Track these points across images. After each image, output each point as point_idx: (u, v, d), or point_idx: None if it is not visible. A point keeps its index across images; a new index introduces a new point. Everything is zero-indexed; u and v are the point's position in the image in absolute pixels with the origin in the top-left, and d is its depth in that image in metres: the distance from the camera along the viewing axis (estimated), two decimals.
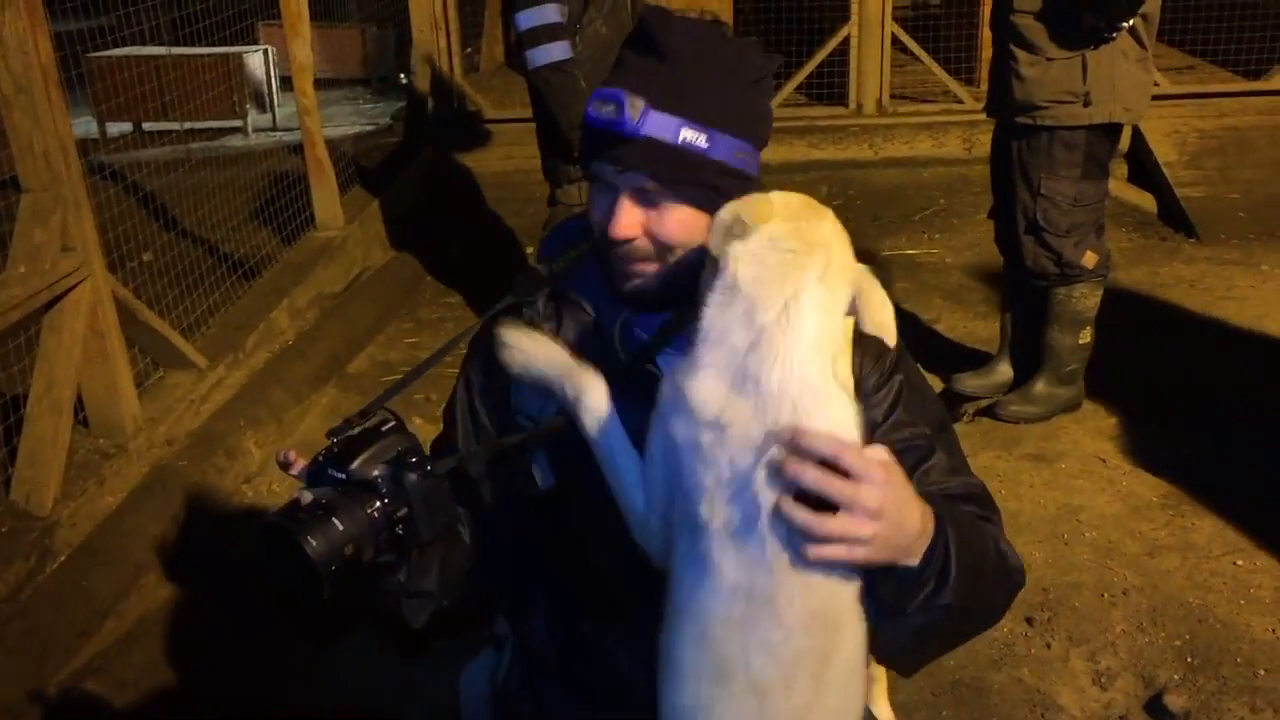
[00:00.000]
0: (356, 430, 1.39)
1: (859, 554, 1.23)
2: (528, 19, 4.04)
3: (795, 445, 1.21)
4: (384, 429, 1.40)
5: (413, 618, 1.52)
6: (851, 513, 1.20)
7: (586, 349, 1.50)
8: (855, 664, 1.31)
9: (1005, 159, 3.98)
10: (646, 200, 1.45)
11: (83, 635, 3.05)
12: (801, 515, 1.20)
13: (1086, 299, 4.00)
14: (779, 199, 1.36)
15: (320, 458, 1.39)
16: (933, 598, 1.32)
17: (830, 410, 1.26)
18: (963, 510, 1.44)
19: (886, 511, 1.22)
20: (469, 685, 1.75)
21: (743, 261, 1.29)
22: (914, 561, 1.30)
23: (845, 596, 1.29)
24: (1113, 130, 3.88)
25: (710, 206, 1.42)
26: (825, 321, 1.29)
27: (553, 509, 1.54)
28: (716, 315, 1.29)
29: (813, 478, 1.20)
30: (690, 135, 1.42)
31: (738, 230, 1.31)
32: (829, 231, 1.34)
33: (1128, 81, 3.76)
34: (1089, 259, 3.92)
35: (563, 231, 1.64)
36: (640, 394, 1.39)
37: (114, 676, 3.05)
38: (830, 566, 1.25)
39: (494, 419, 1.59)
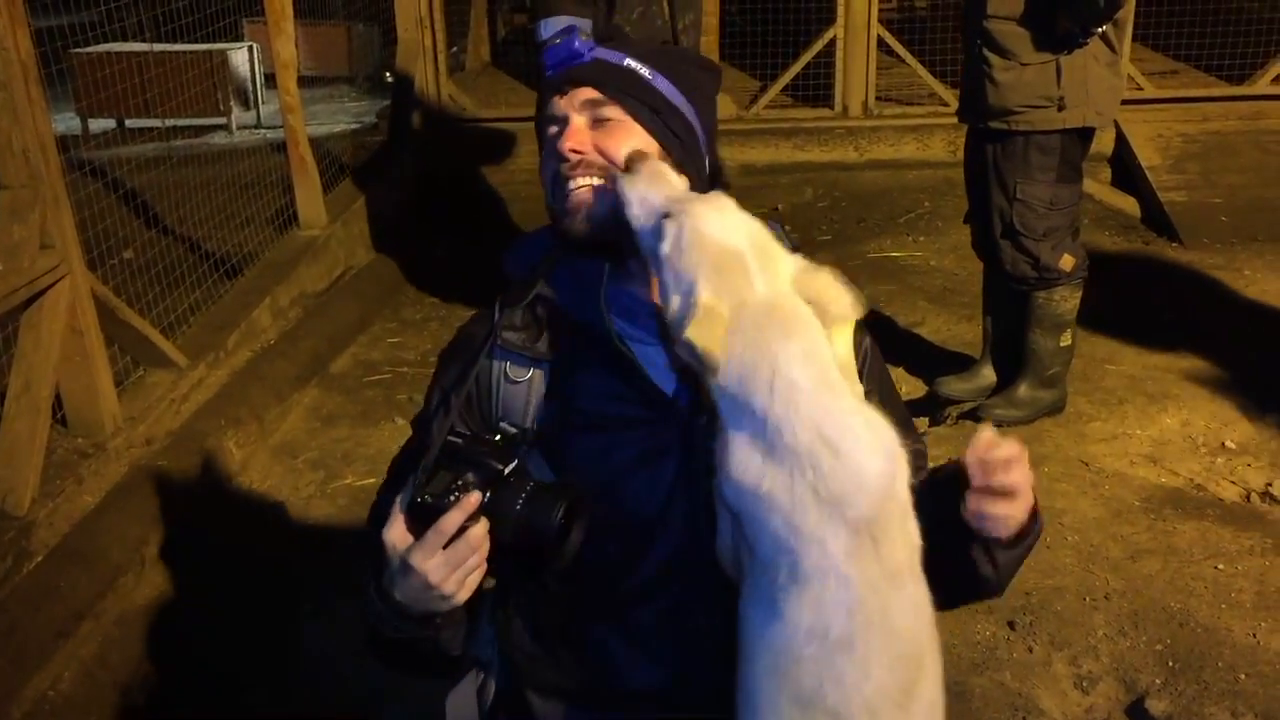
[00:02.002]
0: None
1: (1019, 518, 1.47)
2: (539, 31, 4.01)
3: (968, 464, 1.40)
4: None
5: (452, 645, 1.54)
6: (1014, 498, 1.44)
7: (573, 346, 1.55)
8: (937, 696, 1.32)
9: (980, 164, 3.98)
10: (596, 120, 1.58)
11: (60, 636, 3.02)
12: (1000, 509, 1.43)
13: (1066, 301, 4.01)
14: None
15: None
16: (1033, 524, 1.53)
17: (860, 436, 1.29)
18: None
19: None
20: (455, 710, 1.73)
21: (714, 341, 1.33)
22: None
23: (924, 639, 1.31)
24: (1086, 134, 3.89)
25: (656, 132, 1.58)
26: (814, 360, 1.31)
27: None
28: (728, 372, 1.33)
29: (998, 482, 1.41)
30: (635, 65, 1.59)
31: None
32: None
33: (1099, 85, 3.78)
34: (1066, 262, 3.94)
35: (528, 244, 1.68)
36: (622, 375, 1.52)
37: (91, 679, 3.03)
38: (913, 612, 1.30)
39: (476, 430, 1.58)
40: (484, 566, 1.42)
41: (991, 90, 3.77)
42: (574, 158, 1.56)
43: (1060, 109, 3.75)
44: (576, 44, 1.58)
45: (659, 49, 1.69)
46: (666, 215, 1.40)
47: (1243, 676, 2.89)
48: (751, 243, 1.37)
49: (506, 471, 1.41)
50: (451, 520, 1.37)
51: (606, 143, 1.56)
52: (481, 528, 1.39)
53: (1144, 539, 3.46)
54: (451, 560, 1.39)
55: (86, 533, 3.33)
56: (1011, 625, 3.10)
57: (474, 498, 1.38)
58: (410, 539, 1.41)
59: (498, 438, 1.50)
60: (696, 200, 1.42)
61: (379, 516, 1.71)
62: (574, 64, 1.58)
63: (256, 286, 4.89)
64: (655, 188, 1.45)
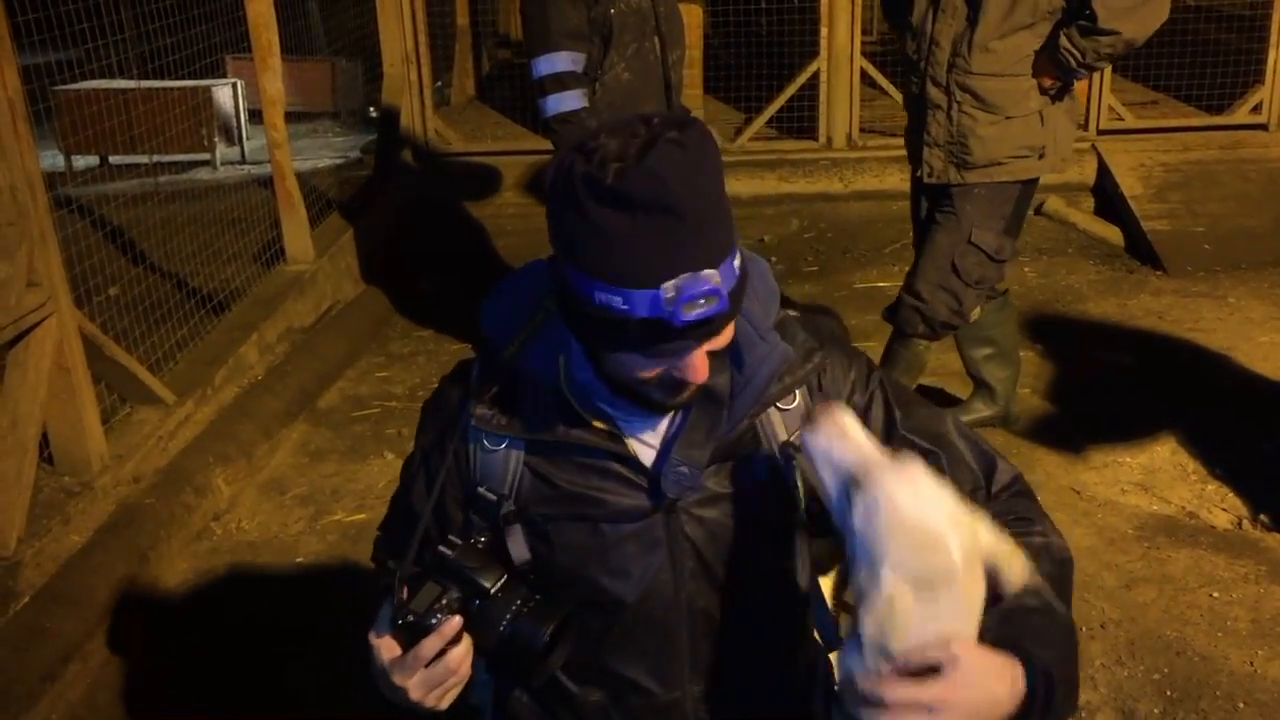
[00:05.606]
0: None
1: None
2: (537, 68, 3.96)
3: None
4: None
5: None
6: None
7: (549, 418, 1.48)
8: None
9: (932, 210, 3.97)
10: None
11: (46, 680, 2.98)
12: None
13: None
14: None
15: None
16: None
17: None
18: (1034, 611, 1.37)
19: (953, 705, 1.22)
20: None
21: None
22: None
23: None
24: (1035, 185, 3.91)
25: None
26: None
27: (533, 578, 1.51)
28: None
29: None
30: (736, 265, 1.34)
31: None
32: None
33: (1065, 134, 3.83)
34: (976, 314, 3.97)
35: (506, 301, 1.53)
36: (605, 451, 1.46)
37: None
38: None
39: (456, 495, 1.55)
40: (466, 678, 1.42)
41: (977, 145, 3.73)
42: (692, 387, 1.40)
43: (1041, 156, 3.77)
44: (725, 303, 1.29)
45: (719, 201, 1.32)
46: (855, 482, 1.29)
47: (1241, 705, 2.88)
48: (951, 519, 1.26)
49: (494, 590, 1.40)
50: (429, 647, 1.37)
51: (719, 346, 1.37)
52: (462, 648, 1.39)
53: (1138, 567, 3.46)
54: (429, 681, 1.39)
55: (73, 573, 3.29)
56: None
57: (452, 624, 1.38)
58: (395, 650, 1.40)
59: (480, 541, 1.46)
60: (887, 469, 1.29)
61: (379, 556, 1.71)
62: (718, 314, 1.29)
63: (243, 322, 4.87)
64: (840, 447, 1.33)
